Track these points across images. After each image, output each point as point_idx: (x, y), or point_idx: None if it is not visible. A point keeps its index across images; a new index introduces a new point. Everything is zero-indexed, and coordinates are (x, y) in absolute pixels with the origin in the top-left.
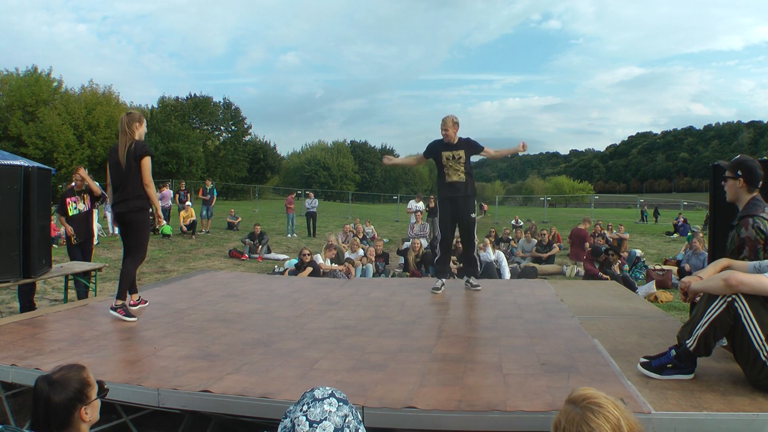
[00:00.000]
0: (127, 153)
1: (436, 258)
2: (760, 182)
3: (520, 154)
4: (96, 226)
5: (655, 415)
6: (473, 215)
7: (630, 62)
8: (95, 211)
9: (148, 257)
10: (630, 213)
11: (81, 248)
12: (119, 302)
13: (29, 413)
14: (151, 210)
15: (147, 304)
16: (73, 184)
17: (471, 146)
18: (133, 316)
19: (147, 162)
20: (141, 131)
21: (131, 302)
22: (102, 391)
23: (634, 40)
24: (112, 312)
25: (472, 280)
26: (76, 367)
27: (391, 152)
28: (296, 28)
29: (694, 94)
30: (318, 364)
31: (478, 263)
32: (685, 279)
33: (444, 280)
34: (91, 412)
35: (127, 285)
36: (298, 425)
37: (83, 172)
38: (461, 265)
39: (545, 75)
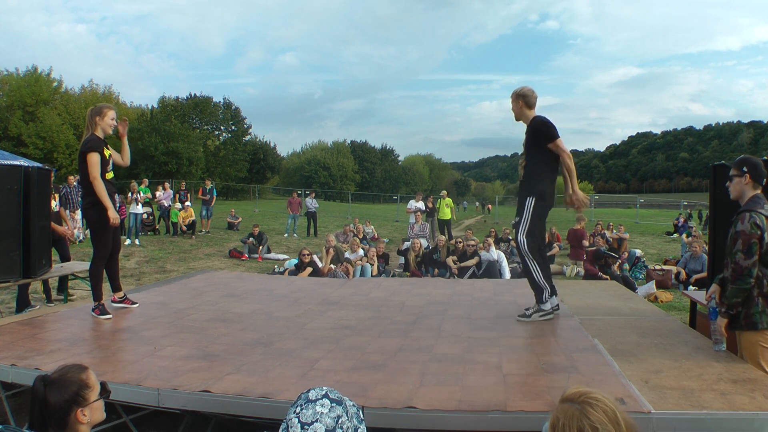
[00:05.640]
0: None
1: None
2: (765, 179)
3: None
4: (75, 224)
5: (655, 415)
6: (515, 219)
7: (628, 62)
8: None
9: (148, 257)
10: (630, 213)
11: (56, 247)
12: (95, 303)
13: (29, 414)
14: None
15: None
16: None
17: (536, 129)
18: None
19: (90, 158)
20: (104, 123)
21: (113, 299)
22: (104, 392)
23: (632, 41)
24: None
25: (532, 309)
26: (76, 367)
27: (391, 152)
28: (295, 29)
29: (693, 94)
30: (318, 364)
31: (537, 286)
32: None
33: (555, 298)
34: (89, 414)
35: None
36: (291, 427)
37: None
38: (460, 264)
39: (544, 75)
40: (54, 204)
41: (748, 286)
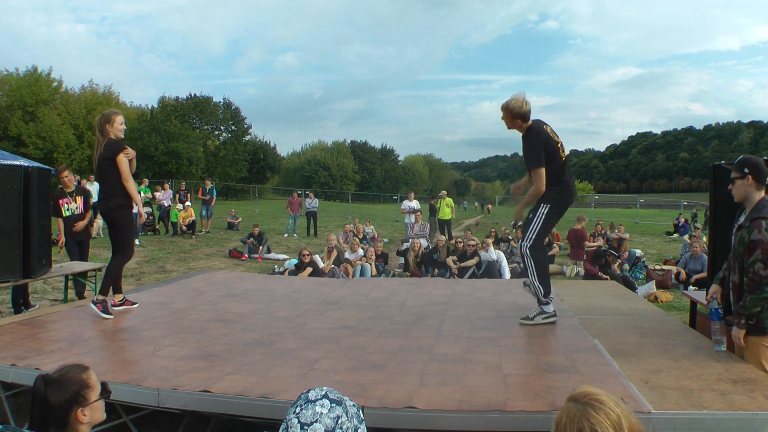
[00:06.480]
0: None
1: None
2: (767, 178)
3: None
4: (97, 224)
5: (655, 415)
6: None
7: (628, 62)
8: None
9: (148, 257)
10: (630, 213)
11: (79, 247)
12: (100, 297)
13: (29, 413)
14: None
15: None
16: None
17: (524, 148)
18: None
19: (121, 159)
20: (114, 129)
21: (113, 302)
22: (105, 392)
23: (631, 41)
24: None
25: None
26: (77, 367)
27: (391, 152)
28: (295, 29)
29: (692, 94)
30: (318, 364)
31: (526, 266)
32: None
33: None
34: (90, 414)
35: (110, 282)
36: (291, 428)
37: (68, 173)
38: (460, 264)
39: (543, 75)
40: (75, 206)
41: (766, 295)
